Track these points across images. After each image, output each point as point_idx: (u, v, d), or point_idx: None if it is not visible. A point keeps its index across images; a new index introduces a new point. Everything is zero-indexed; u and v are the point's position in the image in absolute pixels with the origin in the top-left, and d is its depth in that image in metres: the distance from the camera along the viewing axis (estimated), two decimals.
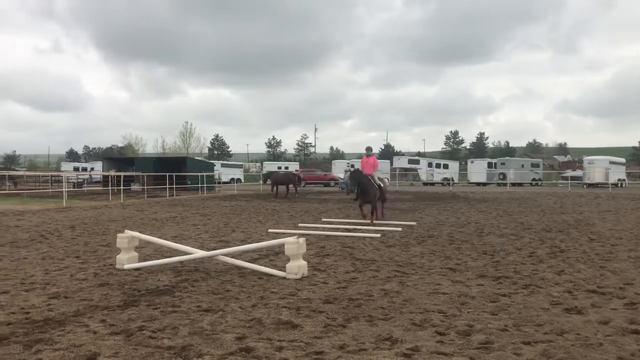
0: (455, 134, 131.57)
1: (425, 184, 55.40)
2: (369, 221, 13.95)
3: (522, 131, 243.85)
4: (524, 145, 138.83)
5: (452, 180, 51.17)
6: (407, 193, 33.97)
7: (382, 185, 15.12)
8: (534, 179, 52.95)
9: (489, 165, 56.30)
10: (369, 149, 16.02)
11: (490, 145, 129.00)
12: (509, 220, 15.03)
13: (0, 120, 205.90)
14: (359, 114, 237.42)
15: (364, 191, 14.21)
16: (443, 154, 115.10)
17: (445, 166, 59.79)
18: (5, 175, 39.62)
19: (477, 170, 55.61)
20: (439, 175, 56.43)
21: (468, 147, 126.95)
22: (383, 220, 14.60)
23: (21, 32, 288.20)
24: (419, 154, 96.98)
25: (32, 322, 5.00)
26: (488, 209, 19.46)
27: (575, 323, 4.96)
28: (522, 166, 54.35)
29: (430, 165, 58.91)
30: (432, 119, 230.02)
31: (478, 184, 52.87)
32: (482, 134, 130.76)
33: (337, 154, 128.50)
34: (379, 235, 11.51)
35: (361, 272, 7.52)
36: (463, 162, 75.37)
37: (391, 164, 62.47)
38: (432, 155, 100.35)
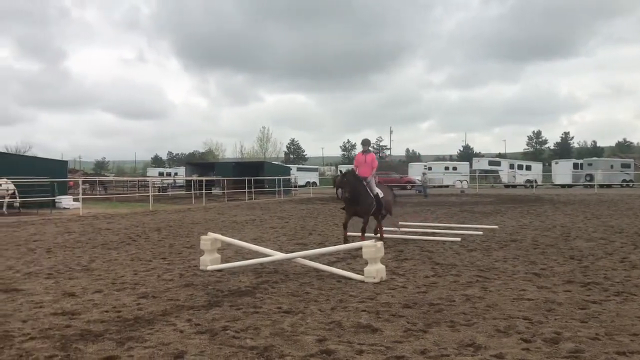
0: (537, 134, 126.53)
1: (506, 186, 53.71)
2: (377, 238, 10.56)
3: (610, 130, 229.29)
4: (613, 144, 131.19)
5: (535, 182, 49.25)
6: (487, 196, 33.14)
7: (381, 194, 11.24)
8: (624, 180, 50.02)
9: (575, 166, 53.72)
10: (366, 142, 11.66)
11: (576, 146, 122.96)
12: (597, 224, 14.28)
13: (90, 128, 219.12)
14: (435, 115, 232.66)
15: (354, 199, 10.52)
16: (525, 155, 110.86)
17: (528, 167, 57.75)
18: (96, 180, 42.08)
19: (562, 171, 53.25)
20: (521, 177, 54.54)
21: (552, 147, 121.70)
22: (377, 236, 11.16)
23: (108, 45, 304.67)
24: (500, 155, 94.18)
25: (123, 320, 5.26)
26: (574, 212, 18.58)
27: None
28: (611, 167, 51.50)
29: (511, 166, 57.10)
30: (512, 118, 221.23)
31: (563, 185, 50.63)
32: (566, 133, 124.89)
33: (413, 157, 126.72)
34: (459, 239, 11.26)
35: (441, 276, 7.39)
36: (547, 164, 72.50)
37: (470, 165, 61.07)
38: (514, 156, 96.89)
